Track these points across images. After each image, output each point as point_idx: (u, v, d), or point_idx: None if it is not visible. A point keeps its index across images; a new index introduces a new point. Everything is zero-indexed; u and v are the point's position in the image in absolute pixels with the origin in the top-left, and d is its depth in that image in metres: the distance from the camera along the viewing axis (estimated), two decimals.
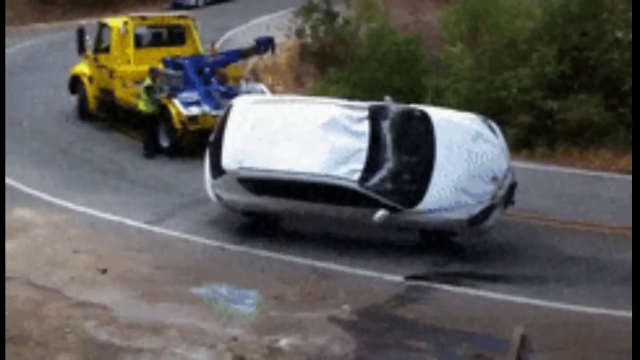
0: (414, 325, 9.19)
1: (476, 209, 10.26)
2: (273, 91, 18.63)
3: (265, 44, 17.19)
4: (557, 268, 10.73)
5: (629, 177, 14.85)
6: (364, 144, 10.34)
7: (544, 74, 18.84)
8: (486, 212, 10.33)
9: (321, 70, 22.10)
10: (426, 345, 8.73)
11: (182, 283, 10.04)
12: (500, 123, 18.11)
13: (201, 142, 12.94)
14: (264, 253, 11.07)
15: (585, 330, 9.08)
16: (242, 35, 25.00)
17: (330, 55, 22.41)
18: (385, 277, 10.45)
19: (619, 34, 19.07)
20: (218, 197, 11.21)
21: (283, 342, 8.66)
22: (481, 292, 10.05)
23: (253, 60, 21.01)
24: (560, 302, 9.73)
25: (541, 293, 9.96)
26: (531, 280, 10.39)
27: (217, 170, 10.90)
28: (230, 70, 16.79)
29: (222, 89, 15.90)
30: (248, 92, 16.10)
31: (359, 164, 10.31)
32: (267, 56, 19.41)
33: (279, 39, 21.62)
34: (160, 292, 9.78)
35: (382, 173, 10.41)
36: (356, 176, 10.27)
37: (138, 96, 15.51)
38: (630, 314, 9.18)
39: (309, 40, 23.20)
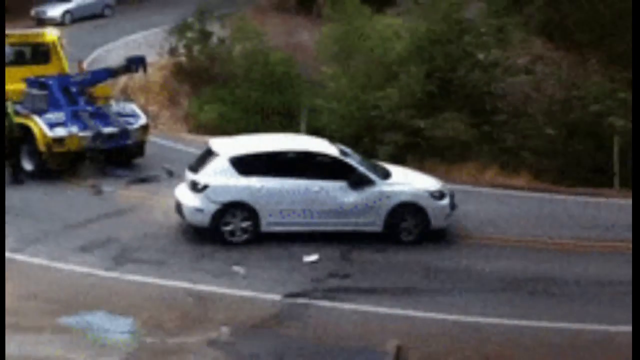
0: (293, 343, 9.20)
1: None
2: (145, 111, 18.18)
3: (136, 63, 16.75)
4: (432, 279, 11.12)
5: (495, 191, 15.79)
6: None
7: (412, 93, 19.64)
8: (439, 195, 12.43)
9: (196, 89, 21.89)
10: None
11: (49, 313, 9.50)
12: (373, 141, 18.69)
13: (68, 165, 12.38)
14: (137, 278, 10.72)
15: (460, 339, 9.44)
16: (112, 54, 24.23)
17: (205, 74, 22.27)
18: (264, 296, 10.40)
19: (480, 56, 20.27)
20: (199, 209, 11.73)
21: None
22: (359, 306, 10.22)
23: (124, 79, 20.42)
24: (436, 312, 10.08)
25: (417, 304, 10.28)
26: (407, 292, 10.70)
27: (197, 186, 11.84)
28: (99, 89, 16.20)
29: (90, 109, 15.32)
30: (118, 113, 15.67)
31: (335, 150, 12.55)
32: (139, 75, 18.93)
33: (152, 58, 21.22)
34: (25, 323, 9.19)
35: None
36: (334, 150, 12.44)
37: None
38: (515, 321, 9.74)
39: (183, 59, 22.93)
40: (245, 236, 11.78)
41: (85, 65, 18.09)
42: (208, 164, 11.95)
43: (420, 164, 17.48)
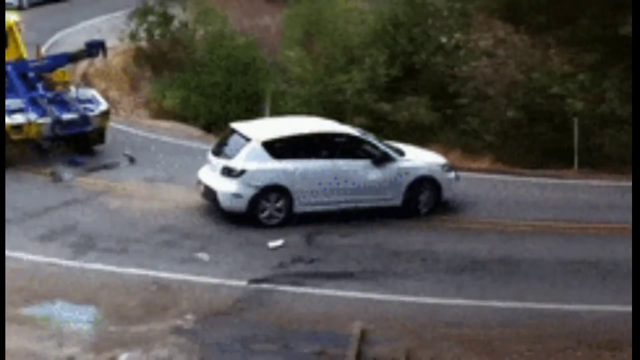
0: (258, 329, 9.21)
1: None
2: (107, 97, 17.89)
3: (96, 48, 16.43)
4: (396, 262, 11.22)
5: (458, 173, 15.91)
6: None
7: (376, 77, 19.69)
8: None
9: (158, 74, 21.58)
10: (271, 347, 8.78)
11: (10, 304, 9.29)
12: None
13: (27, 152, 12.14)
14: (99, 266, 10.59)
15: (424, 321, 9.56)
16: (72, 38, 23.72)
17: (167, 59, 21.96)
18: (229, 283, 10.38)
19: (443, 39, 20.37)
20: (237, 195, 11.85)
21: (123, 358, 8.32)
22: (323, 291, 10.27)
23: (84, 64, 20.03)
24: (399, 294, 10.19)
25: (381, 287, 10.37)
26: (371, 275, 10.78)
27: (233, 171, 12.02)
28: (58, 75, 15.87)
29: (49, 95, 15.01)
30: (78, 99, 15.39)
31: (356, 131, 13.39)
32: (99, 60, 18.60)
33: (113, 42, 20.84)
34: None
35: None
36: (356, 131, 13.22)
37: None
38: (476, 302, 9.88)
39: (144, 43, 22.57)
40: (280, 218, 12.07)
41: (43, 50, 17.70)
42: (241, 149, 12.09)
43: None
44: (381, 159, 12.51)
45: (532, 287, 10.55)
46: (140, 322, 9.17)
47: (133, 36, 22.34)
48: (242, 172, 11.86)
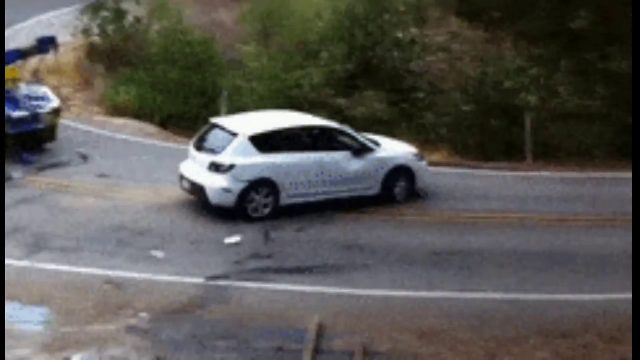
0: (216, 326, 9.13)
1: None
2: (59, 94, 17.52)
3: (47, 44, 16.09)
4: (353, 256, 11.24)
5: None
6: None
7: (333, 72, 19.70)
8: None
9: (111, 71, 21.19)
10: (228, 344, 8.71)
11: None
12: None
13: None
14: (51, 266, 10.37)
15: (379, 312, 9.61)
16: (22, 34, 23.15)
17: (121, 55, 21.58)
18: (186, 280, 10.26)
19: (399, 35, 20.50)
20: (227, 190, 11.95)
21: (76, 358, 8.16)
22: (281, 286, 10.24)
23: (35, 61, 19.55)
24: (356, 288, 10.22)
25: (337, 281, 10.39)
26: (328, 269, 10.79)
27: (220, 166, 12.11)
28: (8, 72, 15.45)
29: None
30: (29, 96, 15.03)
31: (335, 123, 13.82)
32: (50, 56, 18.18)
33: (65, 38, 20.40)
34: None
35: None
36: (335, 124, 13.61)
37: None
38: (433, 293, 9.96)
39: (97, 39, 22.15)
40: (267, 211, 12.23)
41: None
42: (228, 144, 12.20)
43: None
44: (360, 150, 12.87)
45: (488, 278, 10.69)
46: (95, 322, 9.01)
47: (86, 32, 21.89)
48: (231, 167, 12.01)
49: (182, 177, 12.54)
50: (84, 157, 14.71)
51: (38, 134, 14.78)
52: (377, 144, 13.37)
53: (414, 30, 20.19)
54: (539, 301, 10.06)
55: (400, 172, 13.14)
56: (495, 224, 12.70)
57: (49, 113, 14.94)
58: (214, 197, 12.03)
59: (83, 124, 17.53)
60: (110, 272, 10.30)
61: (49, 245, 11.04)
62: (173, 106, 19.81)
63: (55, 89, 17.77)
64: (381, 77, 20.09)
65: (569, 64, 18.11)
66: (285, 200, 12.33)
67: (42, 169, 14.16)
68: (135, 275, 10.33)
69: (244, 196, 12.01)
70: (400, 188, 13.16)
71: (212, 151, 12.34)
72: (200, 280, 10.24)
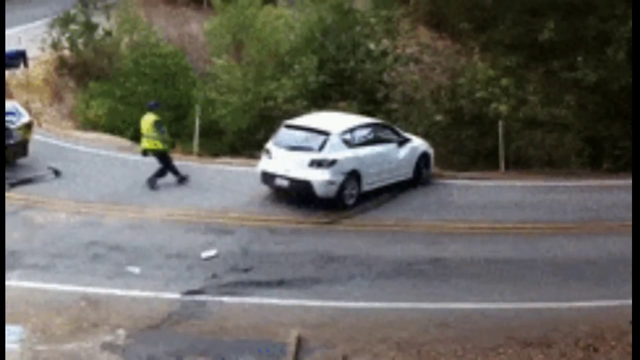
0: (193, 341, 9.06)
1: None
2: (29, 109, 17.30)
3: (17, 58, 15.91)
4: (329, 268, 11.25)
5: None
6: None
7: (306, 84, 19.78)
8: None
9: (82, 84, 21.02)
10: (206, 359, 8.66)
11: None
12: (269, 133, 18.73)
13: None
14: (25, 284, 10.21)
15: (357, 324, 9.62)
16: None
17: (91, 68, 21.41)
18: (162, 296, 10.18)
19: (371, 46, 20.67)
20: (331, 182, 13.31)
21: None
22: (259, 300, 10.21)
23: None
24: (333, 300, 10.22)
25: (315, 294, 10.39)
26: (305, 282, 10.78)
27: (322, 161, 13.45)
28: None
29: None
30: None
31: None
32: (20, 71, 17.99)
33: (34, 52, 20.20)
34: None
35: None
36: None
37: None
38: (410, 304, 10.01)
39: (66, 53, 21.95)
40: (354, 199, 13.69)
41: None
42: (323, 142, 13.52)
43: None
44: (402, 142, 14.83)
45: (464, 287, 10.77)
46: (70, 339, 8.89)
47: (55, 45, 21.69)
48: (333, 162, 13.39)
49: (273, 176, 13.60)
50: (57, 173, 14.53)
51: (9, 150, 14.57)
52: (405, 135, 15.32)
53: (385, 42, 20.37)
54: (515, 309, 10.16)
55: (423, 159, 15.11)
56: (470, 234, 12.82)
57: (19, 128, 14.76)
58: (320, 190, 13.32)
59: (54, 139, 17.34)
60: (85, 289, 10.18)
61: (22, 262, 10.86)
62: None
63: (25, 104, 17.54)
64: (354, 88, 20.24)
65: (537, 73, 18.42)
66: (364, 187, 13.87)
67: (14, 184, 13.95)
68: (111, 291, 10.22)
69: (342, 187, 13.39)
70: (424, 172, 15.08)
71: (306, 149, 13.58)
72: (176, 296, 10.17)
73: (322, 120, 14.61)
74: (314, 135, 13.71)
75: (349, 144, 13.83)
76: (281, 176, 13.46)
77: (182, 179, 14.40)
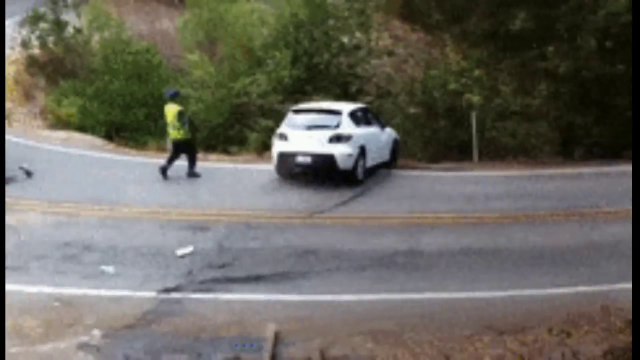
0: (169, 339, 8.99)
1: None
2: None
3: None
4: (305, 262, 11.24)
5: None
6: None
7: (280, 79, 19.73)
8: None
9: (52, 83, 20.78)
10: (183, 357, 8.58)
11: None
12: (244, 128, 18.61)
13: None
14: None
15: (334, 317, 9.61)
16: None
17: (62, 66, 21.18)
18: (137, 294, 10.08)
19: (344, 39, 20.66)
20: (350, 155, 14.71)
21: None
22: (235, 296, 10.15)
23: None
24: (310, 294, 10.20)
25: (292, 288, 10.36)
26: (282, 276, 10.74)
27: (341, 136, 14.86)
28: None
29: None
30: None
31: None
32: None
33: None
34: None
35: None
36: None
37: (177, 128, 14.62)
38: (387, 296, 10.04)
39: (36, 51, 21.67)
40: (363, 172, 15.10)
41: None
42: (338, 120, 14.87)
43: None
44: (383, 125, 16.61)
45: (440, 277, 10.82)
46: (44, 341, 8.77)
47: (25, 44, 21.41)
48: (350, 136, 14.74)
49: (294, 155, 14.60)
50: (28, 173, 14.34)
51: None
52: None
53: (358, 35, 20.38)
54: (489, 298, 10.24)
55: (395, 144, 16.88)
56: (446, 225, 12.89)
57: None
58: (342, 162, 14.61)
59: (25, 139, 17.12)
60: (59, 289, 10.05)
61: None
62: (117, 117, 19.52)
63: None
64: (329, 81, 20.24)
65: (509, 64, 18.55)
66: (368, 163, 15.30)
67: None
68: (86, 291, 10.10)
69: (356, 161, 14.77)
70: (397, 157, 16.90)
71: (323, 127, 14.80)
72: (152, 294, 10.08)
73: (326, 104, 16.12)
74: (328, 115, 15.06)
75: (356, 123, 15.22)
76: (303, 153, 14.56)
77: (194, 174, 14.93)
